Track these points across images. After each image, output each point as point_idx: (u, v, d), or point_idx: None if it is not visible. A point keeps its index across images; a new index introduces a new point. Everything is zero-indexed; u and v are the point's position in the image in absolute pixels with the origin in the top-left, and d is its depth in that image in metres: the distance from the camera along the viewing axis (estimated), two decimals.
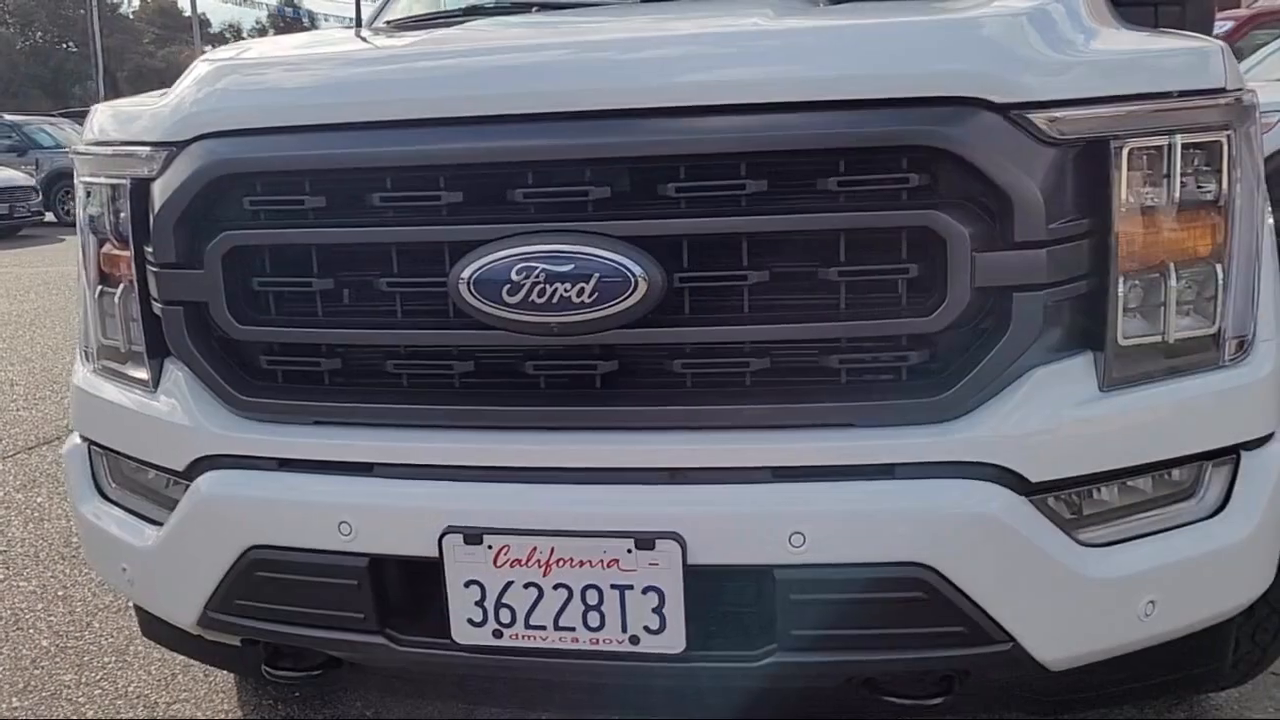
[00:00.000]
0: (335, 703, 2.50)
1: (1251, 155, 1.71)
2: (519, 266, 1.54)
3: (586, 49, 1.74)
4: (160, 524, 1.84)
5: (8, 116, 21.64)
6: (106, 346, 1.98)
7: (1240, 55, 8.93)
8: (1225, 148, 1.65)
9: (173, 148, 1.74)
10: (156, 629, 2.17)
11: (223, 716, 2.47)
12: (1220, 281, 1.66)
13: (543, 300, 1.54)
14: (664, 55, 1.65)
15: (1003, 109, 1.51)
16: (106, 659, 2.75)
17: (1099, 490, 1.65)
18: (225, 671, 2.55)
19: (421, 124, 1.62)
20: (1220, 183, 1.65)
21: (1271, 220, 1.89)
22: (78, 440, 2.07)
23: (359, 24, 3.06)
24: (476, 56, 1.76)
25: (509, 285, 1.54)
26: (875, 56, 1.58)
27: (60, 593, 3.17)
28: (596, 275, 1.52)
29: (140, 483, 1.95)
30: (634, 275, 1.52)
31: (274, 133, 1.68)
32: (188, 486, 1.77)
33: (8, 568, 3.38)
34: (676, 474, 1.59)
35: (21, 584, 3.25)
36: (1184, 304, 1.66)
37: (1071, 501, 1.64)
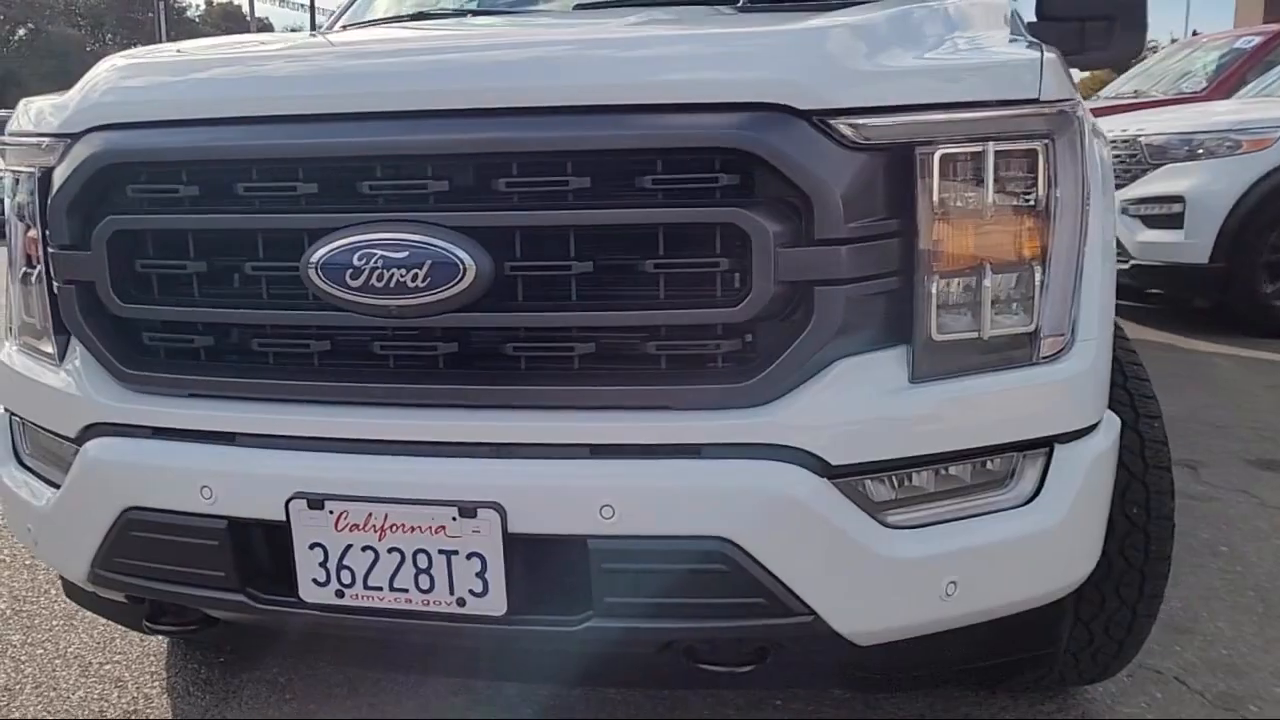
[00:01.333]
0: (255, 667, 2.64)
1: (1075, 163, 1.79)
2: (360, 253, 1.67)
3: (436, 53, 1.87)
4: (59, 487, 1.99)
5: None
6: (26, 324, 2.14)
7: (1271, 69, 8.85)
8: (1043, 156, 1.73)
9: (69, 139, 1.89)
10: (72, 588, 2.33)
11: (149, 678, 2.62)
12: (1038, 283, 1.75)
13: (381, 284, 1.66)
14: (504, 59, 1.78)
15: (807, 115, 1.61)
16: (55, 623, 2.92)
17: (913, 475, 1.74)
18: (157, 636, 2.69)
19: (279, 120, 1.75)
20: (1038, 189, 1.74)
21: (1114, 225, 1.97)
22: (1, 410, 2.23)
23: (313, 27, 3.22)
24: (338, 59, 1.90)
25: (351, 270, 1.67)
26: (691, 64, 1.69)
27: (28, 562, 3.35)
28: (429, 262, 1.65)
29: (49, 450, 2.10)
30: (463, 263, 1.64)
31: (154, 126, 1.82)
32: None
33: None
34: (502, 449, 1.71)
35: None
36: (1000, 303, 1.74)
37: (884, 484, 1.73)
